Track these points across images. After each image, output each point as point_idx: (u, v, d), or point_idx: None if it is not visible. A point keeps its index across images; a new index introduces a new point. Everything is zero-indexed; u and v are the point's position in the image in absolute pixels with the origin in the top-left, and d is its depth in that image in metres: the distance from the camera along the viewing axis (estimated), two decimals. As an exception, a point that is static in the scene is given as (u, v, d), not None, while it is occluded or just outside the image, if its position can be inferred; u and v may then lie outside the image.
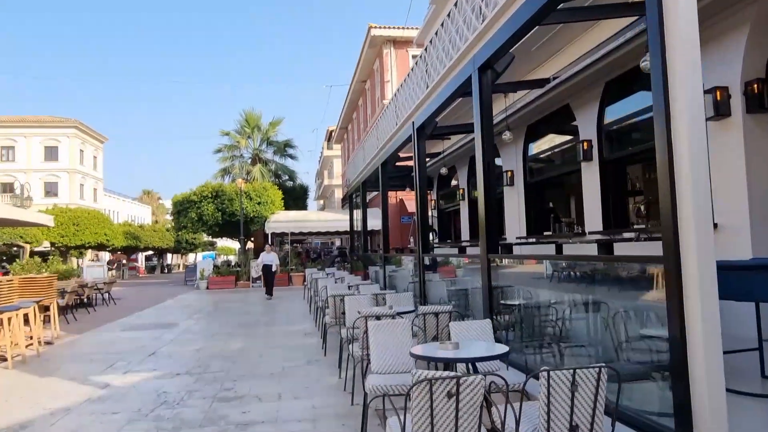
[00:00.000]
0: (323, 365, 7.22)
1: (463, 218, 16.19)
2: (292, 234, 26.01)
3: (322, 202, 63.20)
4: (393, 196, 26.30)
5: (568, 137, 10.62)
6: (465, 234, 15.99)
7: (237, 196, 24.97)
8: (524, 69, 9.45)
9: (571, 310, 5.24)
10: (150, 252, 56.21)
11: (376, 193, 25.77)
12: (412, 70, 8.84)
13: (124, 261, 43.79)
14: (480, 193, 5.72)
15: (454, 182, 18.29)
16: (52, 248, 32.32)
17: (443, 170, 13.14)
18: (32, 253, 34.40)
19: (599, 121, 8.89)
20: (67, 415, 5.26)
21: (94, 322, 12.56)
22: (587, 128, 9.12)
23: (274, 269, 18.54)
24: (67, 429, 4.85)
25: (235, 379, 6.56)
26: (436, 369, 4.46)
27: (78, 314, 14.14)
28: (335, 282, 11.86)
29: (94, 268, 18.26)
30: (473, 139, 13.46)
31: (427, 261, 8.82)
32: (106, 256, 45.50)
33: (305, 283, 16.60)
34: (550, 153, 11.29)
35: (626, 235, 6.95)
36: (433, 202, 19.68)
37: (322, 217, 27.23)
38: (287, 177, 33.58)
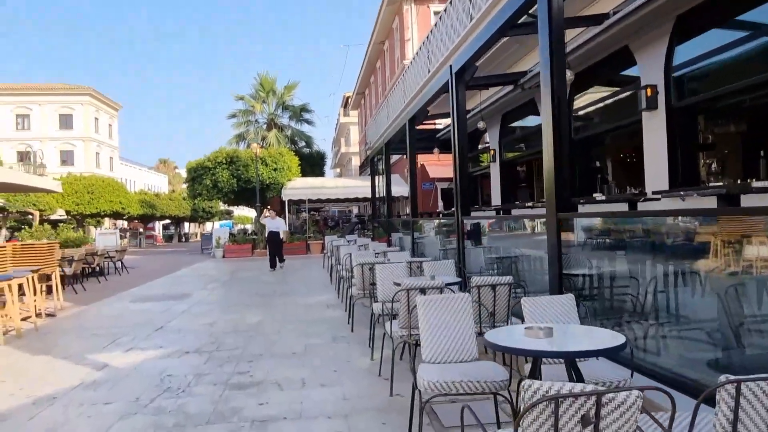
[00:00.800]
0: (351, 343, 6.30)
1: (494, 181, 15.06)
2: (309, 201, 25.09)
3: (338, 170, 62.16)
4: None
5: (621, 87, 9.39)
6: (495, 198, 14.90)
7: (252, 162, 24.02)
8: (578, 4, 8.21)
9: (662, 282, 4.19)
10: (167, 221, 55.98)
11: (398, 157, 24.65)
12: (450, 3, 7.64)
13: (141, 229, 43.44)
14: (548, 142, 4.63)
15: (481, 144, 17.12)
16: (68, 216, 31.88)
17: (481, 124, 11.89)
18: (46, 222, 34.09)
19: (667, 63, 7.66)
20: (51, 405, 4.40)
21: (103, 292, 11.82)
22: (652, 72, 7.89)
23: (282, 237, 16.31)
24: (45, 425, 3.98)
25: (251, 359, 5.67)
26: (505, 361, 3.48)
27: (88, 284, 13.44)
28: (359, 249, 10.90)
29: (106, 235, 17.57)
30: (507, 93, 12.36)
31: (468, 225, 7.79)
32: (123, 224, 45.21)
33: (324, 251, 15.72)
34: (598, 105, 10.05)
35: (759, 184, 5.57)
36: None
37: (340, 184, 26.24)
38: (304, 143, 32.54)
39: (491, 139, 15.26)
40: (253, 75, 49.52)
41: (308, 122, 32.66)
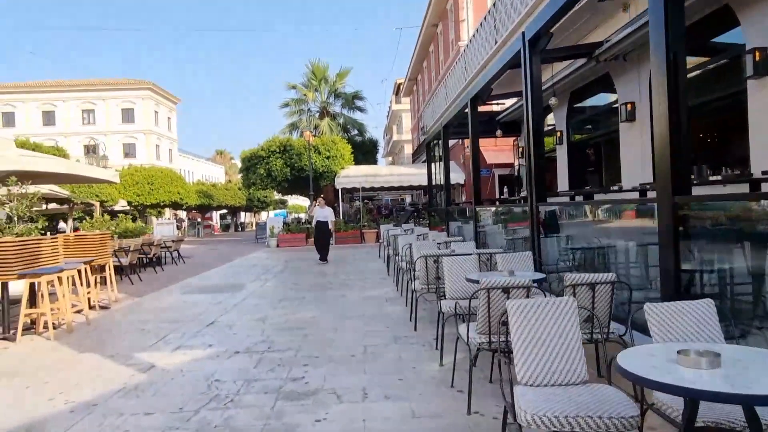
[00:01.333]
0: (416, 345, 5.65)
1: (561, 166, 13.99)
2: (363, 189, 24.59)
3: (390, 158, 61.54)
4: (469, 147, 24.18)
5: (714, 54, 8.25)
6: (562, 184, 13.84)
7: (305, 151, 23.74)
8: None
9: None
10: (224, 210, 57.12)
11: (453, 143, 23.75)
12: (522, -38, 6.77)
13: (199, 219, 44.36)
14: (660, 109, 3.77)
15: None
16: (130, 207, 32.78)
17: (553, 100, 10.92)
18: (108, 212, 35.21)
19: (782, 20, 6.53)
20: (89, 414, 3.97)
21: (159, 283, 11.69)
22: (761, 33, 6.77)
23: (330, 227, 15.33)
24: (79, 441, 3.54)
25: (306, 362, 5.12)
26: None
27: (144, 274, 13.41)
28: (418, 239, 10.22)
29: (164, 225, 17.65)
30: (577, 68, 11.29)
31: (542, 213, 6.96)
32: (183, 215, 46.35)
33: (380, 240, 15.14)
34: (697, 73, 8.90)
35: None
36: (519, 149, 17.50)
37: (394, 171, 25.60)
38: (356, 131, 32.05)
39: (557, 119, 14.18)
40: (305, 63, 48.86)
41: (360, 110, 32.19)
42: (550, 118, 14.40)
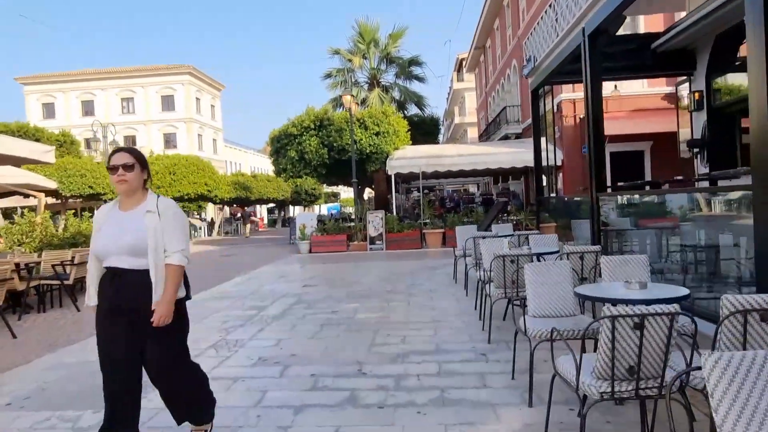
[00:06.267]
0: None
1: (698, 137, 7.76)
2: (424, 175, 18.66)
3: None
4: (570, 109, 17.74)
5: None
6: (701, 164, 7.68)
7: (347, 125, 18.05)
8: None
9: None
10: (271, 204, 52.64)
11: (560, 100, 17.39)
12: None
13: (239, 214, 39.78)
14: None
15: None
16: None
17: None
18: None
19: None
20: None
21: (39, 346, 6.29)
22: None
23: None
24: None
25: None
26: None
27: (36, 320, 8.08)
28: (534, 258, 4.32)
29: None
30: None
31: None
32: (210, 208, 41.92)
33: (457, 250, 9.22)
34: None
35: None
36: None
37: (464, 151, 19.48)
38: (414, 105, 26.12)
39: (697, 77, 8.31)
40: (350, 24, 42.26)
41: (419, 79, 26.16)
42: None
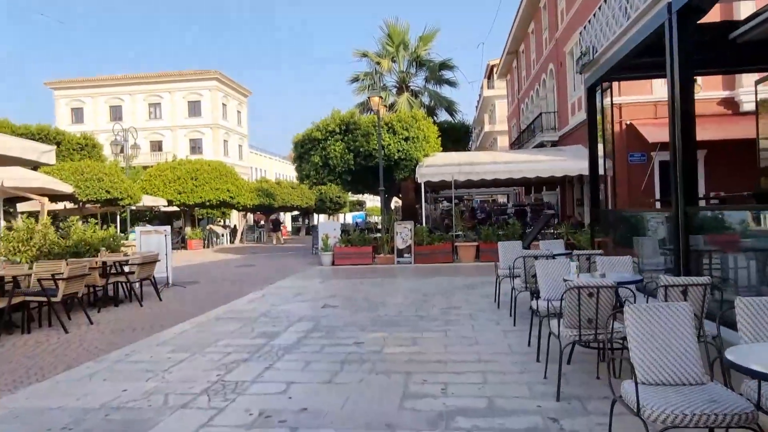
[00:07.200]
0: None
1: None
2: (456, 184, 17.42)
3: (480, 153, 53.69)
4: (616, 114, 16.31)
5: None
6: None
7: (374, 129, 16.98)
8: None
9: None
10: (295, 212, 51.93)
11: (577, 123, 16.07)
12: None
13: (262, 222, 39.06)
14: None
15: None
16: (180, 207, 27.69)
17: None
18: (141, 215, 30.29)
19: None
20: None
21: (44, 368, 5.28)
22: None
23: None
24: None
25: None
26: None
27: (50, 335, 7.09)
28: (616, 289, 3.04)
29: (150, 235, 11.44)
30: None
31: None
32: (234, 215, 41.32)
33: (500, 268, 8.00)
34: None
35: None
36: None
37: (499, 159, 18.20)
38: (444, 110, 24.92)
39: None
40: (378, 25, 41.10)
41: (450, 83, 24.95)
42: None
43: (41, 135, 22.74)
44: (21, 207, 18.24)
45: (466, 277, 11.78)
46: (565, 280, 4.65)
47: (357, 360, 5.30)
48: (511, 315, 6.91)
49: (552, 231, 15.25)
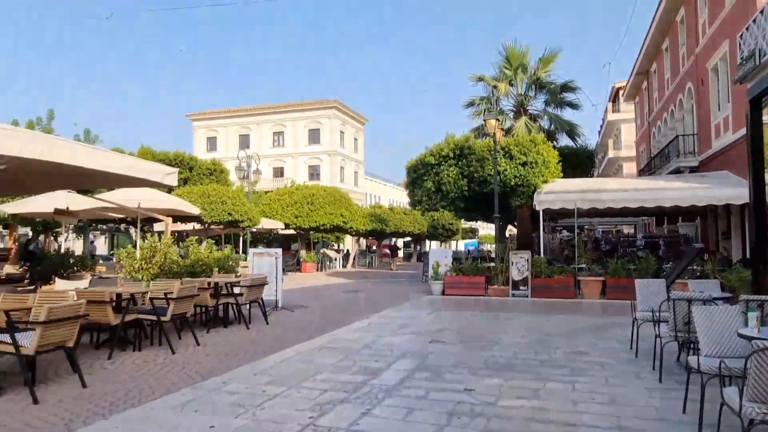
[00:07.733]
0: None
1: None
2: (579, 213, 16.02)
3: (603, 181, 50.24)
4: None
5: None
6: None
7: (489, 155, 16.19)
8: None
9: None
10: (408, 238, 51.92)
11: (726, 144, 14.00)
12: None
13: (374, 247, 39.33)
14: None
15: None
16: (297, 230, 28.64)
17: None
18: (262, 237, 31.53)
19: None
20: None
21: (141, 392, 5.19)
22: None
23: None
24: None
25: None
26: None
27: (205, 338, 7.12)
28: None
29: (263, 257, 11.55)
30: None
31: None
32: (348, 240, 41.88)
33: (639, 310, 6.85)
34: None
35: None
36: None
37: (629, 185, 16.52)
38: (564, 135, 23.45)
39: None
40: (497, 49, 40.18)
41: (572, 106, 23.48)
42: None
43: (177, 161, 24.67)
44: (155, 227, 19.70)
45: (591, 317, 10.50)
46: (740, 335, 3.61)
47: (467, 412, 4.57)
48: (654, 368, 5.78)
49: (694, 268, 13.35)
